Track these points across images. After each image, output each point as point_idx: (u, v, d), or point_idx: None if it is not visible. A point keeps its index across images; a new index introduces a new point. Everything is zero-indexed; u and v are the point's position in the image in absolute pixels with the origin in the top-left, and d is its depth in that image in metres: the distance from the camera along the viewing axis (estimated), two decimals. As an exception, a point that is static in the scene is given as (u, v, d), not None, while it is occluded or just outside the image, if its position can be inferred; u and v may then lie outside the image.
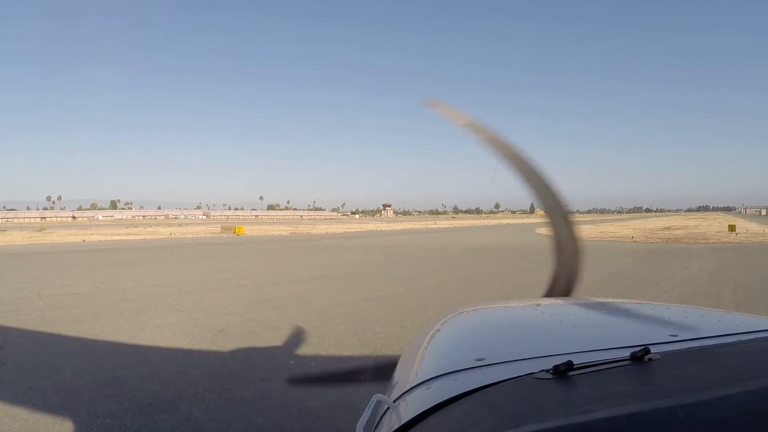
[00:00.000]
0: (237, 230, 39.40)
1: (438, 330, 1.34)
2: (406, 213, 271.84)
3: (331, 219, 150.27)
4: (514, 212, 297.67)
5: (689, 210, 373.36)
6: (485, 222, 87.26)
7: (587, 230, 40.35)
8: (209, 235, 37.78)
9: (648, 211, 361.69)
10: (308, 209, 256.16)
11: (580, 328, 1.23)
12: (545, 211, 1.97)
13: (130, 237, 33.72)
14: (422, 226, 59.11)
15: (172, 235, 36.39)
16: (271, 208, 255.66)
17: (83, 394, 4.02)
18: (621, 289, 9.72)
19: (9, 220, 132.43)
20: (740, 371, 0.69)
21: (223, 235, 37.70)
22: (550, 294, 1.85)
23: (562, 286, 1.86)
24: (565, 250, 1.89)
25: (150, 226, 62.82)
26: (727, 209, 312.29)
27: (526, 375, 0.78)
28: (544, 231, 38.92)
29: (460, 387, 0.78)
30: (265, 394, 4.03)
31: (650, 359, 0.77)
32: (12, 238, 31.49)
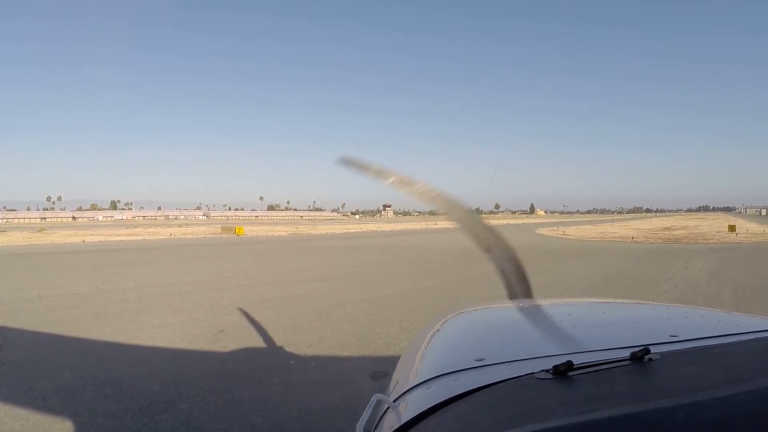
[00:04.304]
0: (237, 231, 39.39)
1: (438, 330, 1.34)
2: (406, 213, 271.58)
3: (331, 219, 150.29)
4: (514, 212, 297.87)
5: (689, 210, 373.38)
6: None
7: (588, 230, 40.32)
8: (209, 235, 37.78)
9: (648, 211, 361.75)
10: (308, 209, 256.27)
11: (580, 328, 1.23)
12: (456, 221, 1.96)
13: (130, 237, 33.72)
14: (422, 227, 59.08)
15: (172, 236, 36.38)
16: (271, 208, 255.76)
17: (83, 395, 4.02)
18: (621, 289, 9.72)
19: (9, 220, 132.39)
20: (740, 371, 0.69)
21: (223, 235, 37.70)
22: (512, 297, 1.83)
23: (514, 287, 1.84)
24: (493, 250, 1.86)
25: (150, 227, 62.80)
26: (727, 209, 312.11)
27: (526, 375, 0.78)
28: (545, 231, 38.67)
29: (460, 387, 0.78)
30: (264, 394, 4.03)
31: (650, 359, 0.77)
32: (12, 239, 31.48)
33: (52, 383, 4.29)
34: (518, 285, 1.82)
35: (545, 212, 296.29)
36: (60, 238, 32.68)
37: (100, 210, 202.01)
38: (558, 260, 16.11)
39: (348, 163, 1.77)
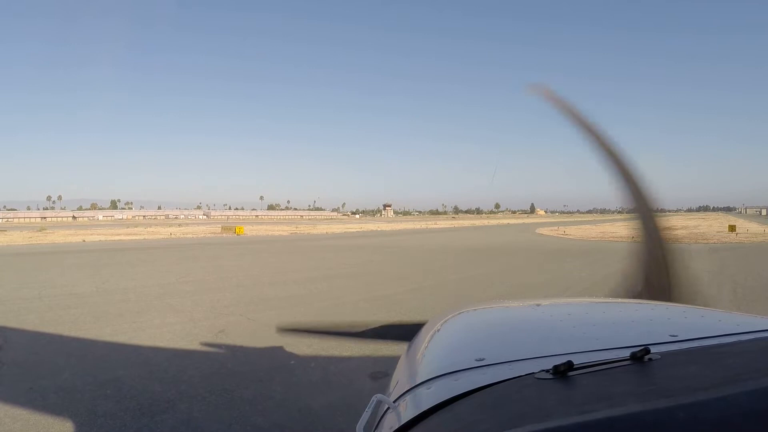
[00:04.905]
0: (237, 230, 39.43)
1: (438, 330, 1.34)
2: (406, 213, 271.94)
3: (331, 219, 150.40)
4: (514, 212, 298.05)
5: (689, 210, 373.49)
6: (485, 222, 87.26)
7: (588, 230, 40.34)
8: (209, 235, 37.79)
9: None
10: (308, 209, 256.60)
11: (580, 328, 1.23)
12: (632, 209, 1.92)
13: (130, 237, 33.73)
14: (422, 227, 59.10)
15: (173, 236, 36.39)
16: (271, 208, 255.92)
17: (83, 395, 4.02)
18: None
19: (9, 220, 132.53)
20: (740, 371, 0.69)
21: (224, 235, 37.71)
22: (639, 295, 1.76)
23: (654, 288, 1.77)
24: (652, 250, 1.82)
25: (150, 226, 62.83)
26: (728, 209, 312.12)
27: (526, 375, 0.78)
28: (545, 231, 38.60)
29: (461, 387, 0.78)
30: (265, 394, 4.03)
31: (650, 359, 0.77)
32: (12, 238, 31.50)
33: (52, 383, 4.30)
34: (656, 287, 1.75)
35: (545, 212, 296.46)
36: (60, 237, 32.69)
37: (100, 209, 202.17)
38: (558, 260, 16.12)
39: (539, 92, 1.75)
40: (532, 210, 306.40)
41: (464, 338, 1.29)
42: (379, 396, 0.83)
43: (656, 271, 1.81)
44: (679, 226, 48.22)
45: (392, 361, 1.27)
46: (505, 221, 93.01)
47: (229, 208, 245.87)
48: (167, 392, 4.07)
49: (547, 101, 1.79)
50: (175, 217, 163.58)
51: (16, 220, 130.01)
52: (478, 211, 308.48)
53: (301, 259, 17.85)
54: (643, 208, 1.92)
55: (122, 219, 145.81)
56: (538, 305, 1.66)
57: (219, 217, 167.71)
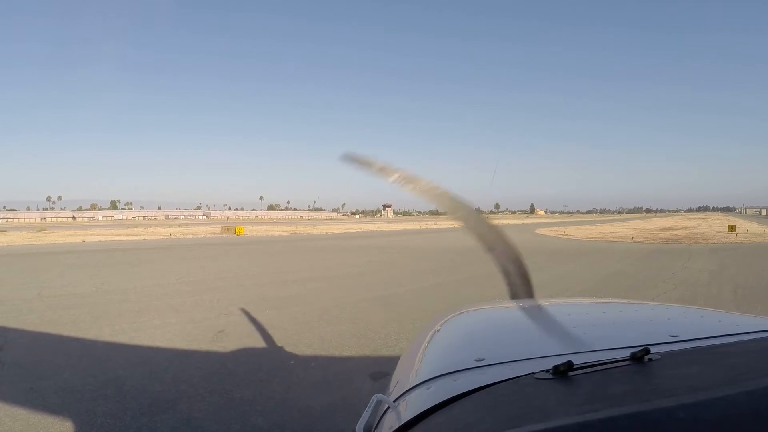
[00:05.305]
0: (237, 230, 39.39)
1: (438, 330, 1.34)
2: (406, 213, 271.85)
3: (331, 219, 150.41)
4: (514, 212, 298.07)
5: (689, 210, 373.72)
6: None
7: (588, 231, 40.32)
8: (209, 235, 37.78)
9: (648, 211, 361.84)
10: (308, 209, 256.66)
11: (580, 328, 1.23)
12: (460, 220, 1.92)
13: (130, 237, 33.71)
14: (422, 227, 59.06)
15: (172, 236, 36.38)
16: (271, 208, 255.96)
17: (83, 395, 4.02)
18: (621, 289, 9.72)
19: (9, 220, 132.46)
20: (740, 371, 0.69)
21: (224, 235, 37.70)
22: (514, 297, 1.83)
23: (516, 287, 1.83)
24: (496, 249, 1.85)
25: (150, 227, 62.80)
26: (727, 209, 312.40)
27: (526, 375, 0.78)
28: (545, 231, 38.51)
29: (460, 387, 0.78)
30: (265, 394, 4.03)
31: (650, 359, 0.77)
32: (12, 239, 31.48)
33: (52, 383, 4.30)
34: (520, 285, 1.81)
35: (545, 212, 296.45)
36: (60, 238, 32.67)
37: (100, 210, 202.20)
38: (557, 260, 16.11)
39: (352, 160, 1.76)
40: (532, 210, 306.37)
41: (464, 338, 1.29)
42: (379, 396, 0.83)
43: (510, 273, 1.86)
44: (678, 226, 48.22)
45: (392, 361, 1.27)
46: (505, 221, 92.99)
47: (229, 209, 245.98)
48: (167, 392, 4.07)
49: (362, 167, 1.82)
50: (175, 218, 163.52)
51: (15, 221, 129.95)
52: (479, 212, 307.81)
53: (301, 259, 17.84)
54: (468, 216, 1.93)
55: (122, 219, 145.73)
56: (538, 305, 1.66)
57: (219, 217, 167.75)
